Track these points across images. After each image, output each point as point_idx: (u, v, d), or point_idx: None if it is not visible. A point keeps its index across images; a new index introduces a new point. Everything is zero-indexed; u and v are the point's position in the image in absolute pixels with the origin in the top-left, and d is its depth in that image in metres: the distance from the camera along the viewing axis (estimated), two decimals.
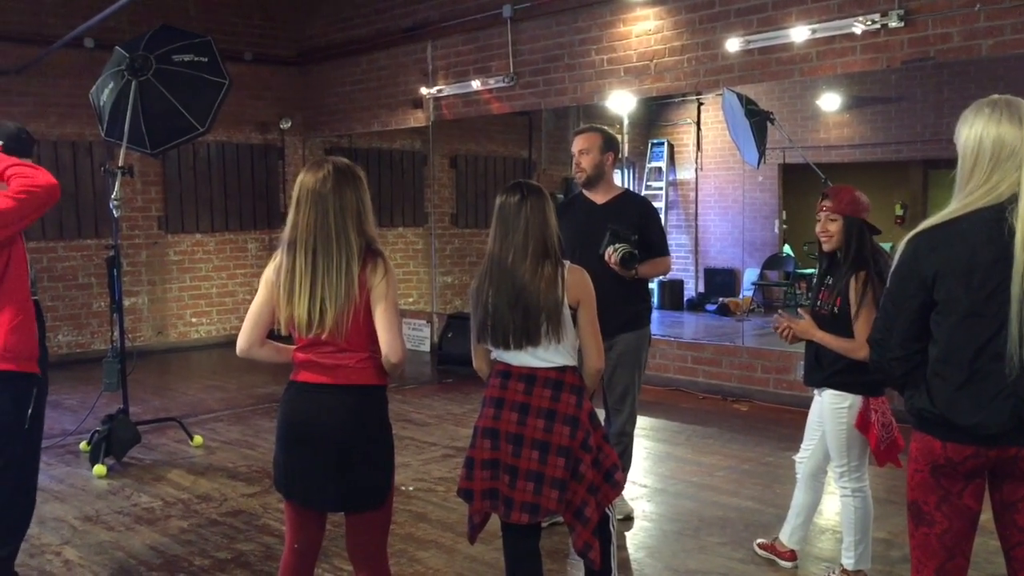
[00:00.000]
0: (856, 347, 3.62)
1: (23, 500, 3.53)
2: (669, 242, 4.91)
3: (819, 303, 3.82)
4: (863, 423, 3.71)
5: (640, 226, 4.46)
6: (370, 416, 2.90)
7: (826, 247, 3.78)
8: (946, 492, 2.42)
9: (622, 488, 3.22)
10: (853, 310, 3.63)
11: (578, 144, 4.56)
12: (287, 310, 2.84)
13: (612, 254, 4.29)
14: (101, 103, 6.14)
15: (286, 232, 2.88)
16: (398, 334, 2.84)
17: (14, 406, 3.33)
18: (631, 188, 10.43)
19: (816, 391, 3.89)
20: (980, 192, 2.33)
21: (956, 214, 2.36)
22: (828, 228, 3.75)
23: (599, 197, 4.58)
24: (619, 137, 4.83)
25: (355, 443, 2.84)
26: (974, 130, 2.36)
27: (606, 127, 4.74)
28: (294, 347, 2.95)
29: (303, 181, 2.87)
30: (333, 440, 2.83)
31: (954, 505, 2.43)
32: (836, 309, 3.72)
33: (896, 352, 2.46)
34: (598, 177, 4.56)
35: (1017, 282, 2.25)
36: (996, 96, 2.39)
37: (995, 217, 2.30)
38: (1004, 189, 2.31)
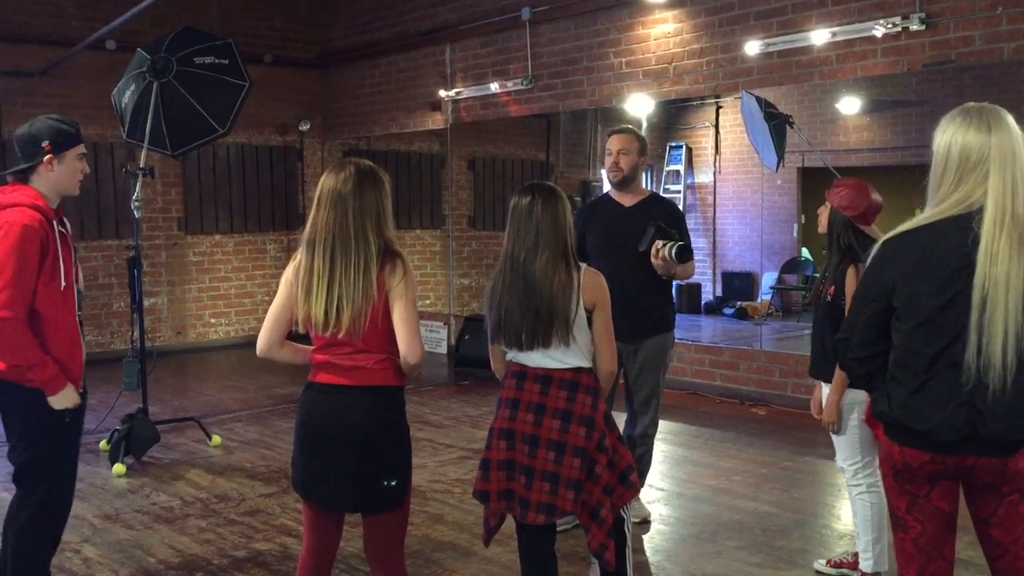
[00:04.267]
0: None
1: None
2: None
3: (821, 294, 3.84)
4: (872, 418, 3.71)
5: (672, 227, 4.46)
6: (387, 417, 2.90)
7: (820, 232, 3.88)
8: (913, 496, 2.42)
9: (638, 490, 3.22)
10: (847, 303, 3.65)
11: (617, 143, 4.53)
12: (304, 308, 2.86)
13: (662, 248, 4.27)
14: (123, 105, 6.20)
15: (306, 231, 2.89)
16: (416, 335, 2.85)
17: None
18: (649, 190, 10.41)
19: (823, 384, 3.87)
20: (950, 201, 2.33)
21: (925, 221, 2.37)
22: (819, 214, 3.86)
23: (627, 200, 4.58)
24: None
25: (372, 445, 2.84)
26: (944, 137, 2.36)
27: (639, 130, 4.75)
28: (312, 348, 2.97)
29: (324, 181, 2.89)
30: (350, 442, 2.83)
31: (923, 508, 2.42)
32: (829, 298, 3.75)
33: (856, 352, 2.48)
34: (632, 179, 4.56)
35: (978, 291, 2.25)
36: (971, 103, 2.38)
37: (962, 226, 2.30)
38: (975, 198, 2.30)
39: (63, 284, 3.31)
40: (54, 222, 3.33)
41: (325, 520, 3.00)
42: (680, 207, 13.14)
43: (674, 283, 5.05)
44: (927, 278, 2.32)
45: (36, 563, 3.45)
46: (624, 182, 4.56)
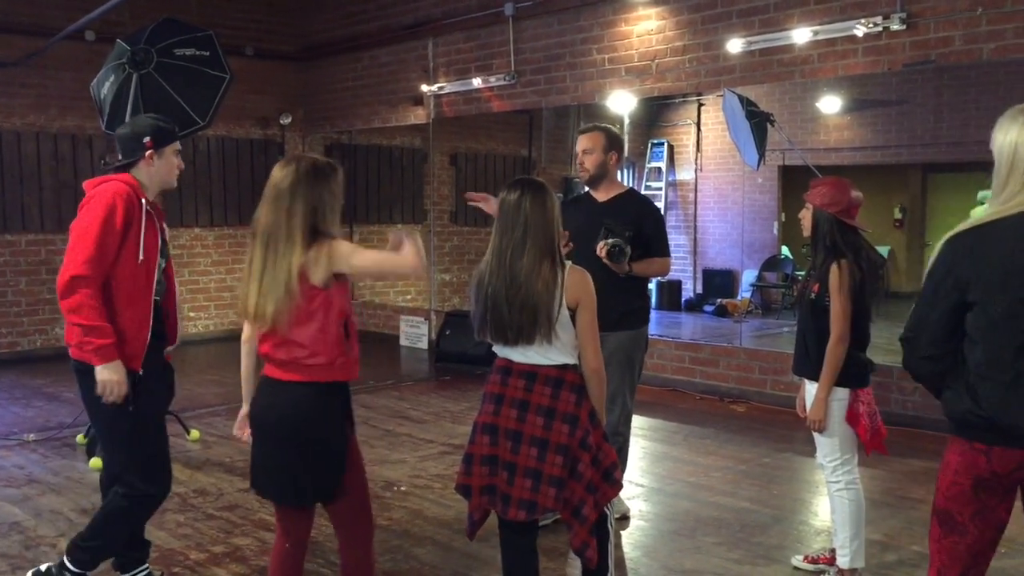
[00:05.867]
0: (833, 342, 3.67)
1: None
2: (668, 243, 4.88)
3: (806, 292, 3.87)
4: (852, 416, 3.75)
5: (639, 225, 4.46)
6: (317, 413, 2.96)
7: (805, 235, 3.91)
8: (983, 506, 2.43)
9: (621, 487, 3.23)
10: (832, 300, 3.68)
11: (582, 143, 4.57)
12: (241, 302, 2.97)
13: (602, 248, 4.31)
14: (102, 96, 6.13)
15: (252, 225, 3.01)
16: (387, 262, 2.98)
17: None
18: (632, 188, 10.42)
19: (807, 382, 3.89)
20: (1020, 198, 2.35)
21: (993, 218, 2.38)
22: (801, 218, 3.89)
23: (601, 195, 4.60)
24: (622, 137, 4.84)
25: (299, 438, 2.93)
26: (1009, 137, 2.38)
27: (611, 126, 4.73)
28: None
29: (270, 176, 2.98)
30: (283, 435, 2.94)
31: (988, 518, 2.44)
32: (813, 295, 3.78)
33: (926, 351, 2.47)
34: (600, 176, 4.56)
35: None
36: None
37: None
38: None
39: (140, 257, 3.45)
40: (143, 199, 3.49)
41: (290, 512, 3.08)
42: (661, 204, 13.23)
43: (654, 281, 5.03)
44: (1004, 272, 2.33)
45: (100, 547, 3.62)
46: (592, 180, 4.59)
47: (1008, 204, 2.37)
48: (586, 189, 4.73)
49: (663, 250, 4.61)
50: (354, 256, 2.93)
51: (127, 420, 3.47)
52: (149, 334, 3.53)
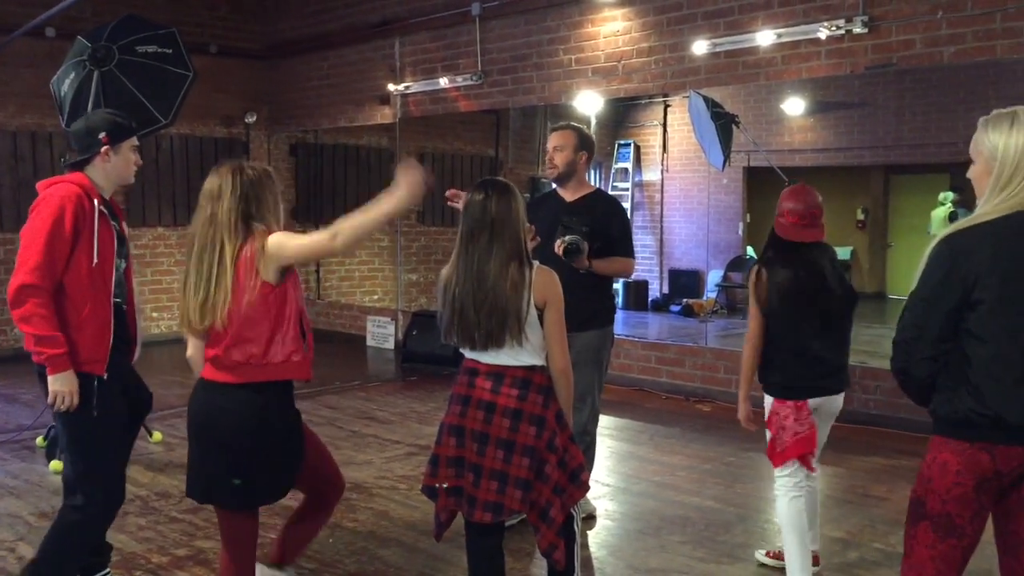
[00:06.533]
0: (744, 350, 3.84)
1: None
2: (635, 243, 4.89)
3: None
4: (769, 422, 3.83)
5: (604, 224, 4.46)
6: (270, 415, 3.01)
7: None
8: (980, 507, 2.43)
9: (587, 489, 3.23)
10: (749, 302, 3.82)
11: (553, 140, 4.58)
12: (184, 314, 3.02)
13: (559, 245, 4.31)
14: (62, 93, 6.04)
15: (187, 240, 3.09)
16: (315, 245, 3.05)
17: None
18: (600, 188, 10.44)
19: None
20: (1017, 198, 2.38)
21: (989, 217, 2.40)
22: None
23: (569, 195, 4.60)
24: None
25: (255, 443, 2.99)
26: (1016, 140, 2.39)
27: (583, 127, 4.74)
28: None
29: (203, 185, 3.07)
30: (232, 441, 3.00)
31: (982, 519, 2.45)
32: None
33: (927, 352, 2.45)
34: (569, 175, 4.57)
35: None
36: (1019, 108, 2.44)
37: None
38: None
39: (95, 260, 3.34)
40: (96, 200, 3.39)
41: (233, 516, 3.12)
42: (627, 205, 13.28)
43: (620, 281, 5.01)
44: (1009, 270, 2.35)
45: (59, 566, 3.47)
46: (560, 178, 4.60)
47: (1005, 204, 2.39)
48: (554, 187, 4.74)
49: (627, 251, 4.61)
50: (289, 243, 2.98)
51: (92, 425, 3.38)
52: (112, 337, 3.44)
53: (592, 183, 4.82)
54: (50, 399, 3.30)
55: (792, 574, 3.69)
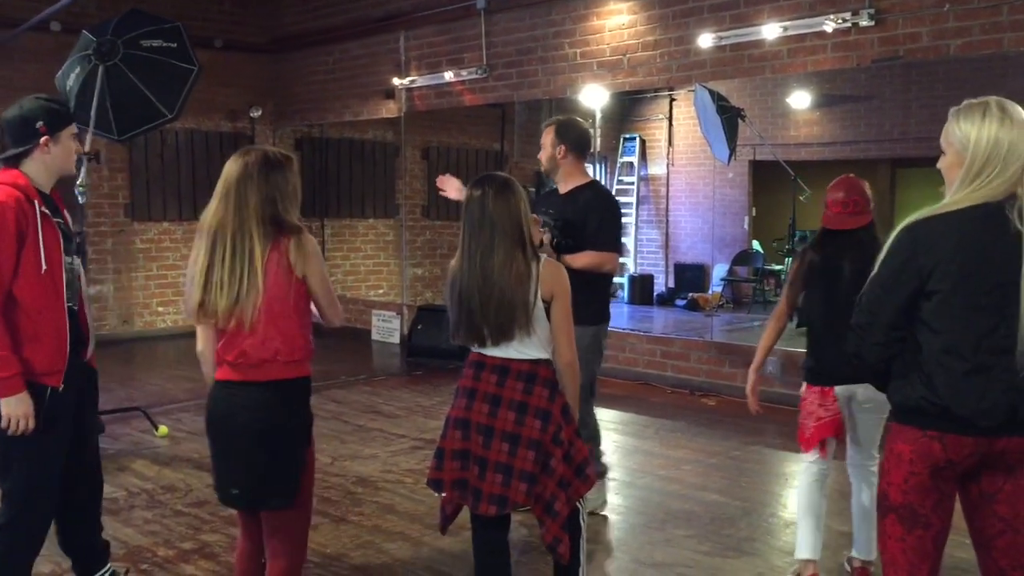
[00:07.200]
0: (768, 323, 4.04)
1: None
2: (640, 237, 4.85)
3: None
4: (801, 406, 3.92)
5: (582, 217, 4.42)
6: (291, 410, 2.95)
7: None
8: (942, 494, 2.43)
9: (593, 483, 3.22)
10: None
11: (541, 139, 4.67)
12: (195, 299, 2.88)
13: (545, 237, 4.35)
14: (67, 88, 6.05)
15: (200, 220, 2.96)
16: (333, 300, 3.03)
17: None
18: (602, 181, 10.42)
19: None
20: (986, 190, 2.36)
21: (957, 206, 2.39)
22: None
23: (562, 188, 4.65)
24: (590, 130, 4.81)
25: (272, 441, 2.89)
26: (986, 132, 2.38)
27: (567, 117, 4.73)
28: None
29: (224, 170, 2.94)
30: (244, 436, 2.90)
31: (946, 507, 2.45)
32: None
33: (878, 338, 2.46)
34: (553, 170, 4.64)
35: None
36: (995, 98, 2.42)
37: (995, 212, 2.34)
38: (1003, 187, 2.35)
39: (44, 267, 3.11)
40: (36, 202, 3.13)
41: (251, 514, 3.04)
42: (632, 199, 13.27)
43: (625, 275, 4.92)
44: (968, 262, 2.34)
45: None
46: (548, 174, 4.73)
47: (975, 194, 2.37)
48: None
49: (603, 244, 4.44)
50: (319, 277, 2.95)
51: (35, 438, 3.13)
52: (68, 346, 3.22)
53: (592, 176, 4.78)
54: (3, 423, 3.07)
55: (800, 550, 3.79)
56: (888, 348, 2.46)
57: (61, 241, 3.22)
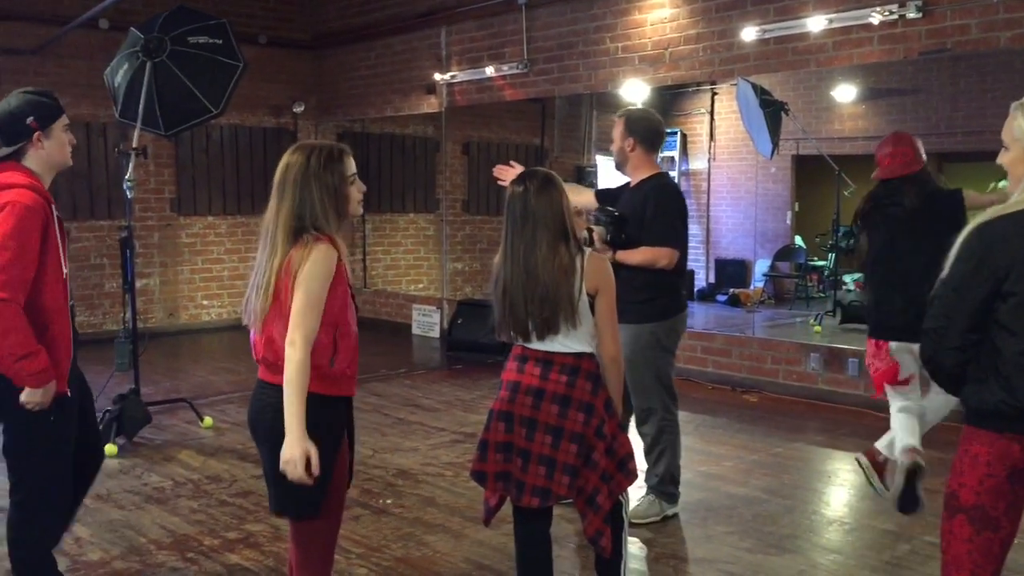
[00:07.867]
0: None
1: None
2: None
3: None
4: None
5: (640, 210, 4.36)
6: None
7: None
8: (1015, 498, 2.40)
9: (636, 477, 3.22)
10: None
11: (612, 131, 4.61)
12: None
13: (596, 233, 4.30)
14: (116, 84, 6.16)
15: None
16: (301, 322, 2.63)
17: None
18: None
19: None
20: None
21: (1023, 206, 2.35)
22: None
23: (632, 180, 4.58)
24: (662, 122, 4.68)
25: (270, 443, 2.72)
26: None
27: (637, 108, 4.72)
28: None
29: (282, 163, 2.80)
30: (271, 440, 2.71)
31: (1017, 510, 2.41)
32: None
33: (955, 342, 2.40)
34: (622, 163, 4.56)
35: None
36: None
37: None
38: None
39: (65, 271, 3.11)
40: (53, 206, 3.12)
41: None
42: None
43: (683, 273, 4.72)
44: None
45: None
46: (619, 167, 4.64)
47: None
48: None
49: (656, 238, 4.34)
50: (302, 284, 2.65)
51: (50, 445, 3.15)
52: (72, 348, 3.20)
53: (659, 167, 4.66)
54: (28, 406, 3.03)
55: (901, 439, 4.21)
56: (964, 352, 2.41)
57: (65, 242, 3.19)
